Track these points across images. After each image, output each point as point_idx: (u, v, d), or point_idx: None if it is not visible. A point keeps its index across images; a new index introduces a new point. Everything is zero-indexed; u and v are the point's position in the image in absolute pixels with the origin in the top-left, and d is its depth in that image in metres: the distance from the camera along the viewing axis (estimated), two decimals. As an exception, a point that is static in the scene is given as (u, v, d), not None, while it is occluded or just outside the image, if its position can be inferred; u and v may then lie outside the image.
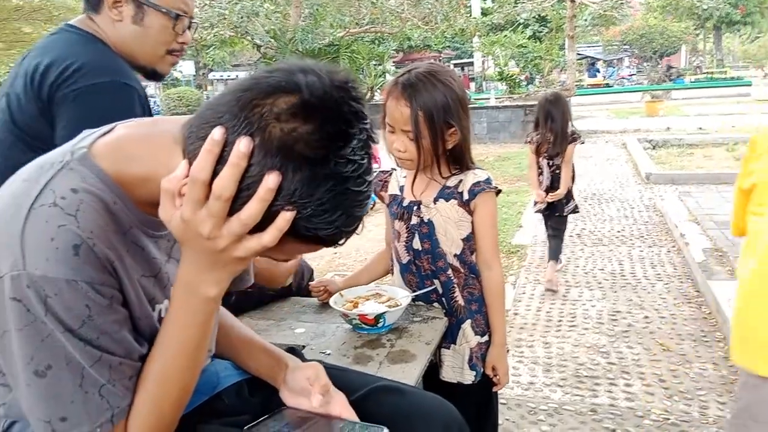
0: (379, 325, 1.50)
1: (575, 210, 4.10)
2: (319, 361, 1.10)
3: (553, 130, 3.83)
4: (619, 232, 5.30)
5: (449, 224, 1.60)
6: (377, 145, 0.76)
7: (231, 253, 0.71)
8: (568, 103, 4.05)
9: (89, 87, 1.33)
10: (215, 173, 0.67)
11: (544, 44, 18.51)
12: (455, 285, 1.63)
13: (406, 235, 1.65)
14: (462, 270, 1.63)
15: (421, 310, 1.64)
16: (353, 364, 1.36)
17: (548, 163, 3.93)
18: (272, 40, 13.73)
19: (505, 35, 18.05)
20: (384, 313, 1.48)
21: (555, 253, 4.09)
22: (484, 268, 1.64)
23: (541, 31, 22.76)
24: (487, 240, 1.62)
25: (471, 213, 1.60)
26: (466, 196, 1.58)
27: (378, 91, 19.01)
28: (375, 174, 1.66)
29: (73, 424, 0.75)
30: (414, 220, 1.63)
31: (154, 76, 1.55)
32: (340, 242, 0.75)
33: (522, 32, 19.07)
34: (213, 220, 0.68)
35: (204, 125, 0.70)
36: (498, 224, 1.69)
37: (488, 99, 15.23)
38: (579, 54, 22.31)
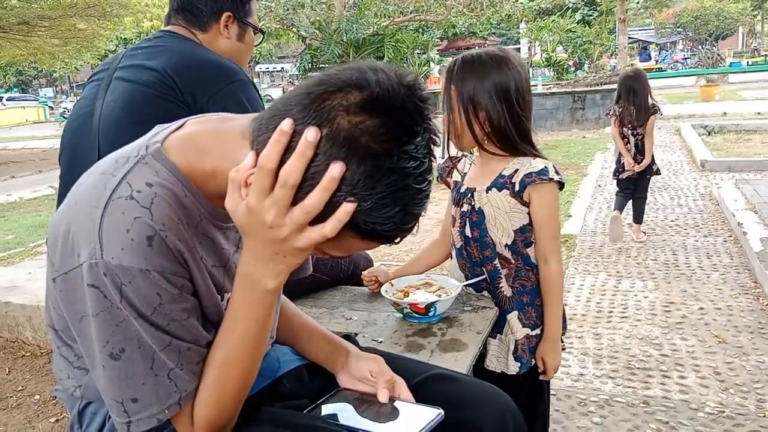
0: (430, 314, 1.52)
1: (658, 172, 4.68)
2: (374, 350, 1.13)
3: (635, 103, 4.33)
4: (672, 221, 5.16)
5: (499, 214, 1.59)
6: (438, 146, 0.77)
7: (292, 243, 0.73)
8: (648, 80, 4.50)
9: (229, 87, 1.50)
10: (282, 164, 0.70)
11: (593, 28, 18.04)
12: (501, 276, 1.63)
13: (459, 221, 1.67)
14: (513, 261, 1.62)
15: (471, 300, 1.66)
16: (405, 352, 1.39)
17: (633, 133, 4.43)
18: (317, 31, 13.81)
19: (553, 20, 17.68)
20: (435, 302, 1.50)
21: (639, 216, 4.71)
22: (540, 261, 1.61)
23: (590, 15, 22.15)
24: (543, 233, 1.59)
25: (525, 204, 1.57)
26: (517, 187, 1.55)
27: (423, 79, 18.94)
28: (443, 162, 1.72)
29: (143, 405, 0.79)
30: (465, 207, 1.64)
31: None
32: (397, 240, 0.76)
33: (571, 17, 18.61)
34: (277, 208, 0.71)
35: (274, 117, 0.73)
36: (557, 225, 1.62)
37: (535, 86, 14.99)
38: (630, 38, 21.65)
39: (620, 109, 4.40)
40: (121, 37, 21.88)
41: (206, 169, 0.82)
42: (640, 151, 4.44)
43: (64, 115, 23.28)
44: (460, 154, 1.72)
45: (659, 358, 2.81)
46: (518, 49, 32.97)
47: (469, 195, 1.64)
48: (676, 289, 3.66)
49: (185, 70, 1.48)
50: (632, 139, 4.44)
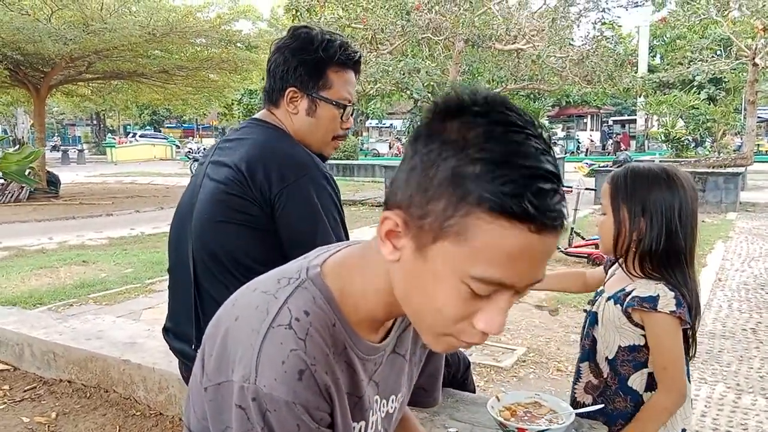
0: (538, 441, 1.44)
1: None
2: None
3: None
4: (803, 329, 4.68)
5: (610, 326, 1.56)
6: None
7: None
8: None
9: (296, 182, 1.50)
10: None
11: (719, 108, 17.14)
12: (582, 381, 1.64)
13: (587, 315, 1.69)
14: (606, 376, 1.59)
15: (584, 427, 1.56)
16: (510, 482, 1.31)
17: None
18: (429, 94, 14.13)
19: (675, 95, 17.03)
20: (545, 430, 1.42)
21: None
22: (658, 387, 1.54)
23: (717, 93, 21.13)
24: (653, 361, 1.52)
25: (639, 325, 1.51)
26: (624, 306, 1.52)
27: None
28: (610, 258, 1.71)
29: None
30: (587, 307, 1.67)
31: (320, 158, 1.68)
32: (533, 213, 0.66)
33: (695, 94, 17.83)
34: None
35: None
36: (677, 358, 1.51)
37: (652, 161, 14.42)
38: (759, 117, 20.42)
39: None
40: (246, 89, 23.54)
41: (357, 289, 0.83)
42: None
43: (188, 155, 25.13)
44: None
45: (785, 497, 2.50)
46: (634, 120, 32.02)
47: (598, 298, 1.65)
48: (807, 412, 3.28)
49: (255, 166, 1.51)
50: None
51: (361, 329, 0.86)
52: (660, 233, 1.48)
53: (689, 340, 1.55)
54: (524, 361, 3.96)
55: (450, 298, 0.73)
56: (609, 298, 1.57)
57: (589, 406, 1.60)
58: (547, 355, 4.07)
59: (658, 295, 1.47)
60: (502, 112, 0.70)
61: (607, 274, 1.75)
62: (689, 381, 1.59)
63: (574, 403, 1.64)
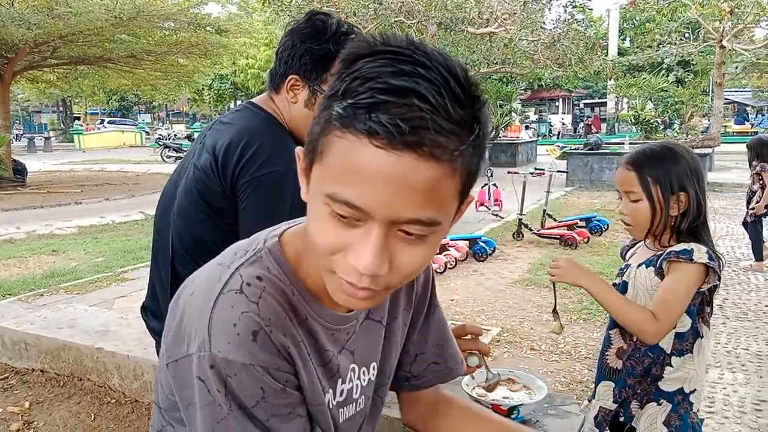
0: (512, 416, 1.47)
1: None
2: None
3: None
4: (767, 306, 4.83)
5: (640, 290, 1.62)
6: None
7: None
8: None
9: (267, 175, 1.44)
10: None
11: (687, 90, 17.41)
12: (613, 346, 1.68)
13: None
14: (635, 339, 1.62)
15: (556, 401, 1.59)
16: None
17: (761, 185, 5.82)
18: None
19: (645, 78, 17.23)
20: (519, 405, 1.45)
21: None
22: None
23: (685, 76, 21.45)
24: (660, 296, 1.53)
25: None
26: (658, 263, 1.58)
27: (503, 129, 18.84)
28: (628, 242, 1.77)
29: None
30: (617, 280, 1.72)
31: None
32: (380, 129, 0.62)
33: (664, 76, 18.07)
34: None
35: None
36: (680, 300, 1.53)
37: (622, 144, 14.62)
38: (726, 99, 20.82)
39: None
40: (216, 74, 23.17)
41: (314, 265, 0.82)
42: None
43: (159, 142, 24.71)
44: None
45: (750, 466, 2.60)
46: (604, 103, 32.39)
47: (626, 269, 1.71)
48: (771, 385, 3.40)
49: (231, 155, 1.46)
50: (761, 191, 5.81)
51: (324, 298, 0.84)
52: (698, 201, 1.57)
53: (709, 301, 1.63)
54: (498, 341, 4.02)
55: (318, 226, 0.70)
56: (640, 265, 1.64)
57: (620, 371, 1.65)
58: (521, 335, 4.14)
59: (692, 249, 1.54)
60: (404, 47, 0.64)
61: (625, 258, 1.80)
62: (701, 338, 1.62)
63: (606, 369, 1.67)
